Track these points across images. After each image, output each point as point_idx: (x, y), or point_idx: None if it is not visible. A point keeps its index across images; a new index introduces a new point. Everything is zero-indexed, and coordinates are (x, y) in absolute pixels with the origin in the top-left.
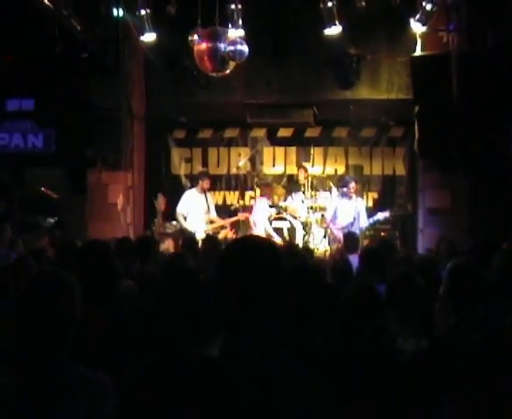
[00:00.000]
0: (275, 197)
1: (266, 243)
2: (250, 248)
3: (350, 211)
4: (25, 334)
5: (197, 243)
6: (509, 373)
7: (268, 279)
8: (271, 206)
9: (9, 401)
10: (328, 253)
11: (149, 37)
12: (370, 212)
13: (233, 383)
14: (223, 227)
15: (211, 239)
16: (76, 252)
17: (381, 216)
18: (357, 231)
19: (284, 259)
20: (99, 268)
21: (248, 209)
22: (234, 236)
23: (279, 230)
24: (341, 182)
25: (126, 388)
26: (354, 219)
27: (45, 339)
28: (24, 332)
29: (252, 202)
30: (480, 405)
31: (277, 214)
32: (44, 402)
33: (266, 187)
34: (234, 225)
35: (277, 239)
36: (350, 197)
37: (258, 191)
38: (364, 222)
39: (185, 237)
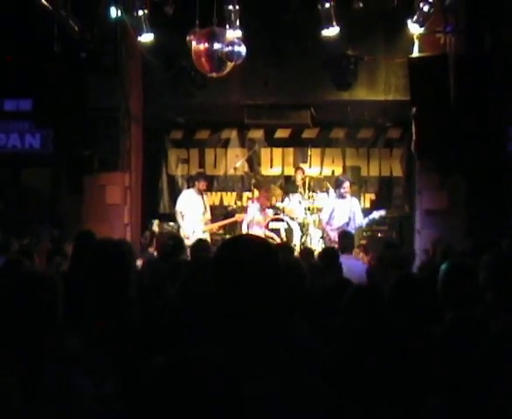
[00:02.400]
0: (273, 198)
1: (260, 240)
2: (245, 245)
3: (345, 212)
4: (6, 335)
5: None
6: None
7: (264, 276)
8: (269, 207)
9: (11, 401)
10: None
11: (147, 37)
12: (367, 212)
13: (236, 386)
14: (220, 228)
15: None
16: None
17: (376, 214)
18: (353, 231)
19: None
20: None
21: (245, 210)
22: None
23: (276, 231)
24: (335, 182)
25: (137, 391)
26: (349, 219)
27: (25, 340)
28: (4, 333)
29: (249, 203)
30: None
31: (274, 215)
32: (25, 404)
33: (263, 188)
34: (231, 226)
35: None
36: (345, 197)
37: (256, 192)
38: (360, 221)
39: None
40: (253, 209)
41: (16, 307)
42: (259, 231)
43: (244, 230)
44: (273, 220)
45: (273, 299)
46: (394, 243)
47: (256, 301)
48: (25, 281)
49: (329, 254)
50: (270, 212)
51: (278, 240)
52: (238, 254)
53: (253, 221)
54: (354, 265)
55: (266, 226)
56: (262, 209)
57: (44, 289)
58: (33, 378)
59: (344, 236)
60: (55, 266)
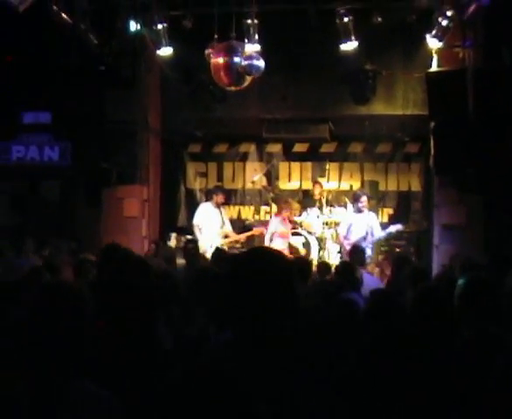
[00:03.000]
0: (291, 212)
1: (275, 252)
2: (261, 257)
3: (363, 226)
4: (32, 346)
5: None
6: None
7: (280, 289)
8: (290, 219)
9: (19, 409)
10: None
11: (166, 51)
12: (384, 227)
13: (248, 397)
14: (237, 241)
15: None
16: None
17: (393, 228)
18: (370, 245)
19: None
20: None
21: (264, 223)
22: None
23: (294, 246)
24: (353, 196)
25: (160, 399)
26: (366, 233)
27: (51, 352)
28: (31, 343)
29: (268, 217)
30: None
31: (292, 229)
32: (48, 416)
33: (282, 202)
34: (249, 240)
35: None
36: (362, 211)
37: (274, 206)
38: (377, 235)
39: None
40: (275, 222)
41: (43, 318)
42: (281, 243)
43: (267, 243)
44: (292, 234)
45: (288, 312)
46: (407, 257)
47: (271, 313)
48: (55, 292)
49: (345, 268)
50: (289, 227)
51: (302, 250)
52: (255, 266)
53: (276, 232)
54: (367, 279)
55: (289, 236)
56: (284, 221)
57: (73, 300)
58: (52, 390)
59: (355, 250)
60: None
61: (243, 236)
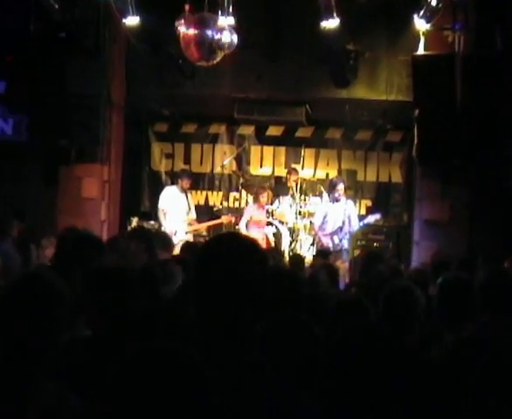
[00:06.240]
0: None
1: (247, 239)
2: (231, 244)
3: (340, 215)
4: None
5: None
6: None
7: (250, 275)
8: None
9: None
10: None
11: (132, 20)
12: (362, 218)
13: (205, 376)
14: (204, 230)
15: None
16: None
17: (371, 218)
18: (347, 236)
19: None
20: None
21: (233, 211)
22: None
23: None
24: (329, 184)
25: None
26: (343, 223)
27: (20, 347)
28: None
29: (237, 204)
30: None
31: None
32: (8, 415)
33: (259, 188)
34: (217, 229)
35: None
36: (339, 200)
37: (244, 193)
38: (355, 225)
39: None
40: (251, 209)
41: (14, 310)
42: (257, 232)
43: (243, 231)
44: None
45: (258, 300)
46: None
47: (238, 303)
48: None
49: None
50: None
51: (272, 240)
52: (223, 252)
53: (252, 220)
54: None
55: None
56: (261, 209)
57: (49, 295)
58: (21, 389)
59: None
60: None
61: (209, 224)
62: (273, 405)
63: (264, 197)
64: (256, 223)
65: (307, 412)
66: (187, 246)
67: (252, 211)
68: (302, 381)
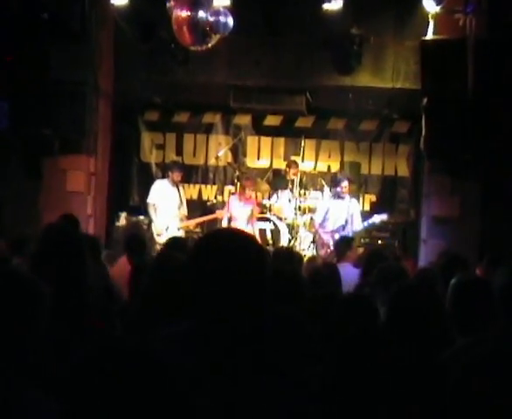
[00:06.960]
0: (258, 194)
1: (243, 233)
2: (229, 241)
3: (342, 213)
4: None
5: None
6: None
7: (248, 273)
8: (248, 200)
9: None
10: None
11: (121, 1)
12: (366, 216)
13: (165, 370)
14: (196, 226)
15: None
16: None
17: (377, 218)
18: (349, 235)
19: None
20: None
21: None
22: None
23: (261, 232)
24: (332, 180)
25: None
26: (346, 222)
27: None
28: None
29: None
30: None
31: (260, 213)
32: None
33: (244, 179)
34: (210, 224)
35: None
36: (343, 198)
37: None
38: (358, 225)
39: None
40: (233, 203)
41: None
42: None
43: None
44: (258, 219)
45: (255, 298)
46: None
47: (237, 301)
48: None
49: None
50: (255, 208)
51: (269, 237)
52: (218, 248)
53: (234, 216)
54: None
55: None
56: (246, 201)
57: (27, 296)
58: None
59: (341, 242)
60: None
61: (202, 220)
62: (271, 402)
63: (250, 189)
64: (239, 219)
65: (308, 412)
66: (173, 242)
67: (233, 206)
68: (296, 378)
